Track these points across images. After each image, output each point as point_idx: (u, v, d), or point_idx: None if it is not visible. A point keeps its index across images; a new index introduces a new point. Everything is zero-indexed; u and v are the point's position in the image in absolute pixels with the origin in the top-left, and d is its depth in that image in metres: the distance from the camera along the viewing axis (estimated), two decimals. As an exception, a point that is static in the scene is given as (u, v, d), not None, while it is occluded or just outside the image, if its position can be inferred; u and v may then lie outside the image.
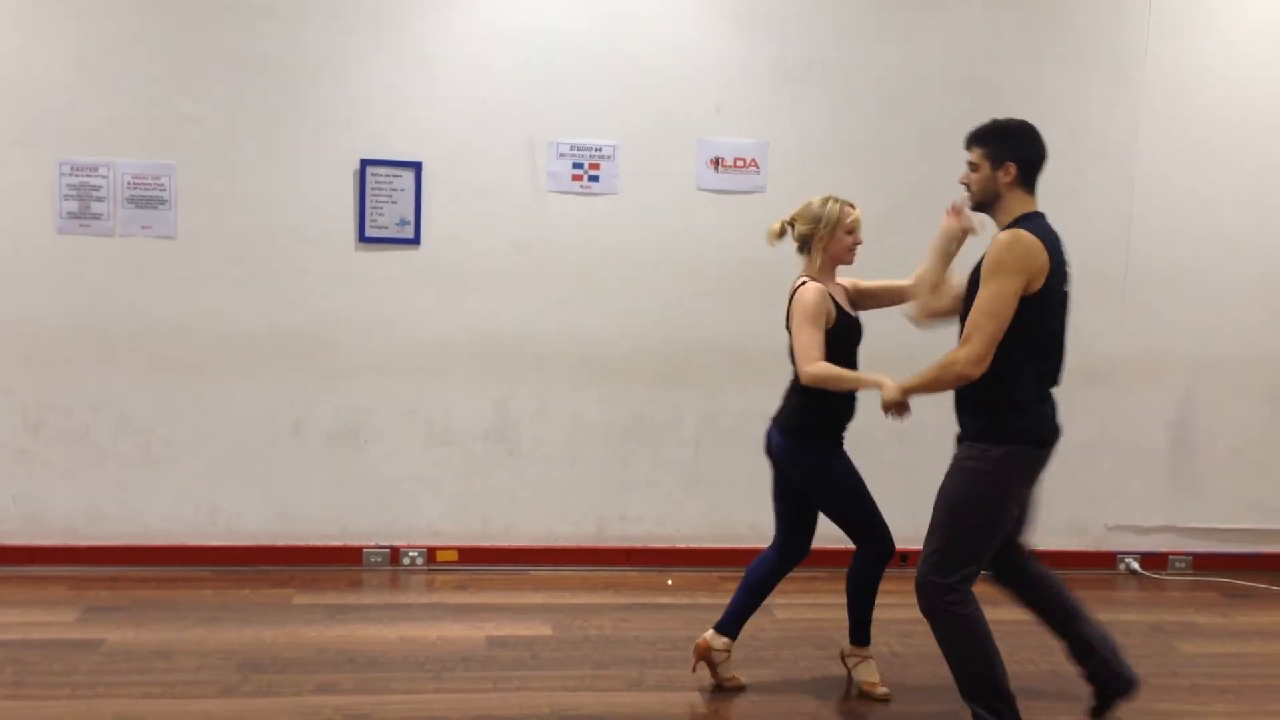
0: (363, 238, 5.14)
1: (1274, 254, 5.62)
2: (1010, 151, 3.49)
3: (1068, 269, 3.44)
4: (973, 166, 3.53)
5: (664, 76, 5.23)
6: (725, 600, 4.94)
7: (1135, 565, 5.70)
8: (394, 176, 5.12)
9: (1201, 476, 5.73)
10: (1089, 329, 5.56)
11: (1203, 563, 5.75)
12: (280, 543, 5.25)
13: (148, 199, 5.03)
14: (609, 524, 5.44)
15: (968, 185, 3.56)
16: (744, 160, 5.32)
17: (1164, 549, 5.76)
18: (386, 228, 5.15)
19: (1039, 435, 3.47)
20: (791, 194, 5.21)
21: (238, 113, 5.04)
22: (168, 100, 5.00)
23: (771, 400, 4.99)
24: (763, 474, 5.56)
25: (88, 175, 4.99)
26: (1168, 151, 5.50)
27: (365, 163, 5.09)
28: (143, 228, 5.05)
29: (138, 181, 5.02)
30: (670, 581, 5.27)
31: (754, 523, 5.45)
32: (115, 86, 4.97)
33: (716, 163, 5.31)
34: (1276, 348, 5.68)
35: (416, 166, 5.12)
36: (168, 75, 4.99)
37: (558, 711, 3.82)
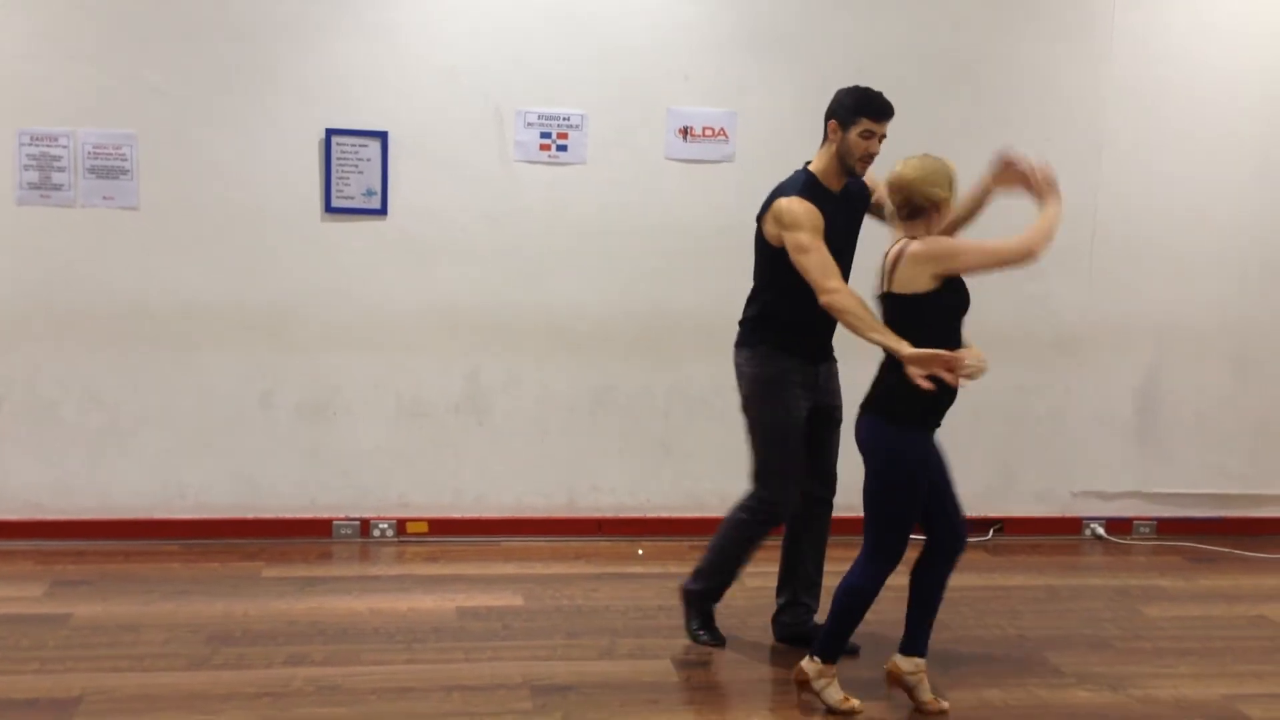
0: (329, 208, 5.10)
1: (1238, 223, 5.67)
2: (853, 112, 3.79)
3: None
4: (882, 139, 3.85)
5: (632, 45, 5.20)
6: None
7: (1101, 530, 5.77)
8: (360, 146, 5.07)
9: (1166, 443, 5.80)
10: (1057, 298, 5.62)
11: (1167, 527, 5.82)
12: (249, 515, 5.22)
13: (109, 169, 4.96)
14: (580, 494, 5.44)
15: (873, 157, 3.85)
16: (713, 129, 5.30)
17: (1129, 514, 5.82)
18: (353, 198, 5.10)
19: None
20: (761, 163, 5.22)
21: (200, 82, 4.97)
22: (129, 69, 4.92)
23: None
24: (732, 443, 5.58)
25: (48, 145, 4.91)
26: (1135, 122, 5.53)
27: (330, 132, 5.04)
28: (104, 198, 4.98)
29: (99, 151, 4.95)
30: (641, 551, 5.29)
31: (723, 492, 5.45)
32: (75, 55, 4.89)
33: (685, 132, 5.29)
34: (1240, 316, 5.74)
35: (383, 136, 5.07)
36: (129, 44, 4.91)
37: (529, 681, 3.83)
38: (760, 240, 3.93)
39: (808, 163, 3.94)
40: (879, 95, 3.81)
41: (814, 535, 4.14)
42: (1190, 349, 5.73)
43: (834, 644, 3.66)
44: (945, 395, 3.50)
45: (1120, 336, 5.67)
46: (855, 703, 3.66)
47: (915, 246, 3.48)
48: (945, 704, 3.73)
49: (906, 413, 3.51)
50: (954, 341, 3.55)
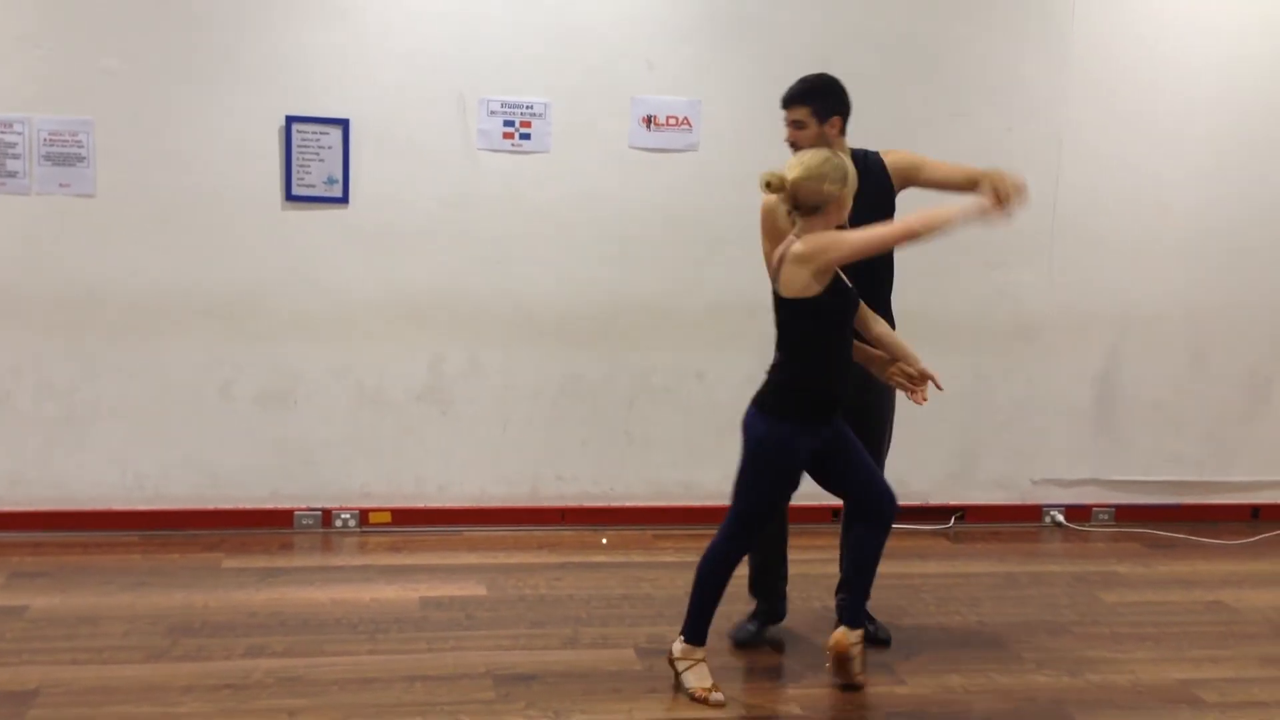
0: (290, 196, 5.05)
1: (1195, 213, 5.72)
2: (834, 106, 3.75)
3: None
4: (799, 125, 3.76)
5: (596, 33, 5.18)
6: (660, 559, 5.03)
7: (1060, 518, 5.82)
8: (321, 134, 5.03)
9: (1125, 431, 5.86)
10: (1018, 287, 5.66)
11: (1125, 514, 5.89)
12: (209, 506, 5.18)
13: (65, 156, 4.89)
14: (543, 484, 5.43)
15: (795, 143, 3.75)
16: (677, 118, 5.30)
17: (1088, 501, 5.88)
18: (314, 186, 5.06)
19: None
20: (724, 152, 5.25)
21: (158, 67, 4.90)
22: (85, 54, 4.85)
23: (702, 358, 5.01)
24: (695, 432, 5.59)
25: (2, 132, 4.83)
26: (1095, 111, 5.57)
27: (291, 119, 4.99)
28: (60, 185, 4.91)
29: (54, 138, 4.87)
30: (605, 540, 5.29)
31: (687, 481, 5.50)
32: (30, 40, 4.81)
33: (649, 121, 5.28)
34: (1197, 305, 5.80)
35: (344, 124, 5.03)
36: (85, 28, 4.84)
37: (492, 671, 3.83)
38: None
39: None
40: (793, 85, 3.81)
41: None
42: (1148, 338, 5.79)
43: (696, 624, 3.73)
44: (828, 391, 3.59)
45: (1080, 325, 5.72)
46: (718, 695, 3.67)
47: (796, 247, 3.48)
48: (863, 680, 3.83)
49: (777, 406, 3.58)
50: (842, 344, 3.61)
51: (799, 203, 3.46)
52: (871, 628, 4.07)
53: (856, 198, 3.53)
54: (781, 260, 3.53)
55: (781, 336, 3.66)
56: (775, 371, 3.67)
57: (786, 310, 3.57)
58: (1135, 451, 5.88)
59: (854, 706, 3.72)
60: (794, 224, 3.52)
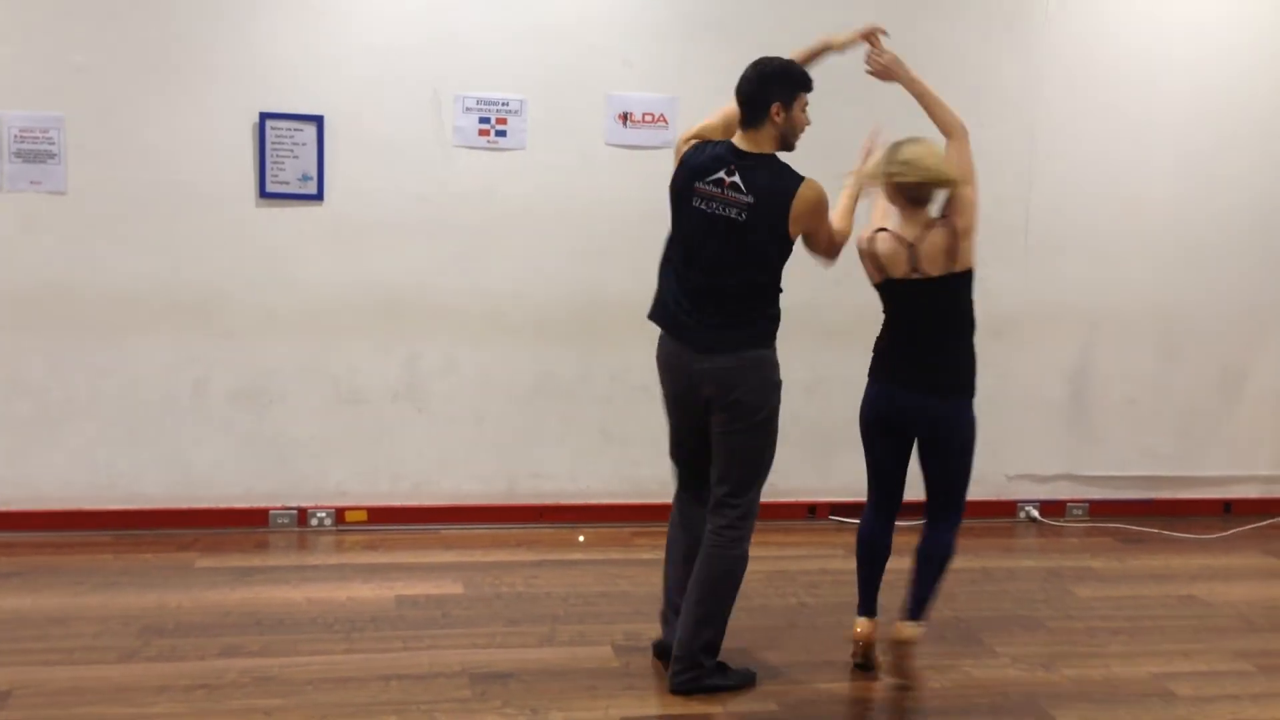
0: (263, 193, 5.02)
1: (1167, 209, 5.77)
2: (794, 88, 3.60)
3: (696, 187, 3.59)
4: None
5: (572, 30, 5.17)
6: (637, 556, 5.03)
7: (1034, 513, 5.86)
8: (295, 130, 5.00)
9: (1098, 426, 5.90)
10: (992, 284, 5.65)
11: (1099, 509, 5.93)
12: (182, 506, 5.14)
13: (36, 153, 4.84)
14: (520, 481, 5.42)
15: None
16: (653, 115, 5.29)
17: (1062, 497, 5.92)
18: (288, 183, 5.03)
19: (656, 316, 3.78)
20: (700, 149, 5.24)
21: (130, 63, 4.86)
22: (56, 50, 4.81)
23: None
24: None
25: (-29, 128, 4.79)
26: (1068, 108, 5.60)
27: (265, 116, 4.96)
28: (31, 183, 4.86)
29: (25, 135, 4.83)
30: (582, 538, 5.28)
31: (664, 478, 5.44)
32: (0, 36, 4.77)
33: (625, 118, 5.28)
34: (1168, 301, 5.85)
35: (318, 120, 5.00)
36: (56, 24, 4.80)
37: (468, 669, 3.82)
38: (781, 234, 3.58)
39: (748, 152, 3.58)
40: (800, 66, 3.72)
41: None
42: (1120, 334, 5.83)
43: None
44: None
45: (1053, 321, 5.75)
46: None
47: (961, 222, 3.64)
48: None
49: (972, 386, 3.86)
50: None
51: (923, 195, 3.65)
52: None
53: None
54: (928, 243, 3.63)
55: (948, 316, 3.74)
56: (955, 355, 3.76)
57: (958, 283, 3.69)
58: (1109, 447, 5.92)
59: (829, 702, 3.72)
60: (902, 212, 3.70)
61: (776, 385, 3.65)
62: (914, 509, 3.91)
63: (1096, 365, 5.84)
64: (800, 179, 3.55)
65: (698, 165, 3.62)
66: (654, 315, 3.80)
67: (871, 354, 3.86)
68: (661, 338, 3.78)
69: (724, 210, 3.54)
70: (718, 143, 3.65)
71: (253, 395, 5.15)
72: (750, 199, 3.51)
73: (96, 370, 5.01)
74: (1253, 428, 6.05)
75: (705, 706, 3.63)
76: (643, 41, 5.24)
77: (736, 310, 3.60)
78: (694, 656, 3.65)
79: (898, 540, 3.94)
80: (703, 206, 3.58)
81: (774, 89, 3.57)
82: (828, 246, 3.67)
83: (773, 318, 3.66)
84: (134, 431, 5.07)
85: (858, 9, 5.33)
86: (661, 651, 3.87)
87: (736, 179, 3.53)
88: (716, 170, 3.57)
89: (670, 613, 3.84)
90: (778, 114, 3.56)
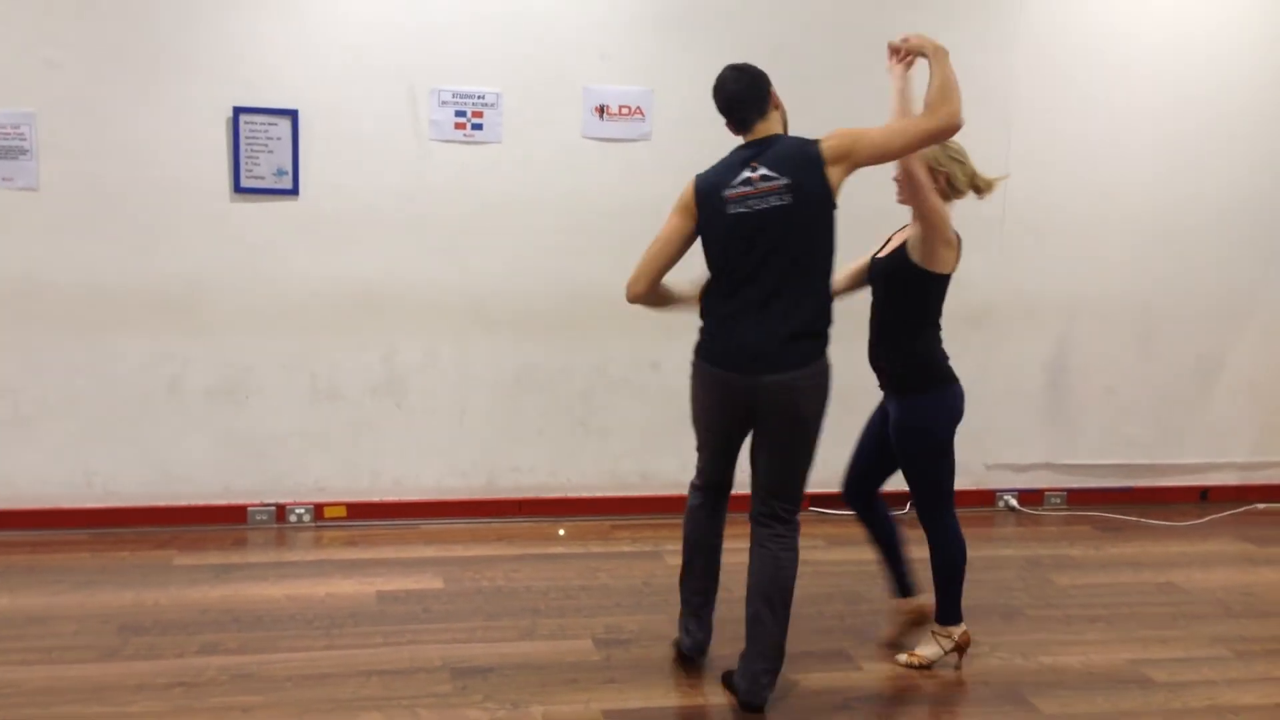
0: (238, 188, 4.99)
1: (1142, 198, 5.79)
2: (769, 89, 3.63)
3: (727, 196, 3.49)
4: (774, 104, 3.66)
5: (548, 23, 5.15)
6: (618, 549, 5.03)
7: (1013, 502, 5.89)
8: (269, 125, 4.97)
9: (1076, 415, 5.93)
10: (969, 273, 5.66)
11: (1077, 498, 5.96)
12: (160, 503, 5.11)
13: (7, 149, 4.80)
14: (500, 475, 5.41)
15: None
16: (629, 108, 5.28)
17: (1040, 485, 5.95)
18: (263, 178, 5.00)
19: (706, 351, 3.64)
20: (677, 142, 5.24)
21: (102, 58, 4.82)
22: (27, 45, 4.76)
23: (658, 348, 4.97)
24: (652, 421, 5.60)
25: (-59, 124, 4.74)
26: (1044, 97, 5.61)
27: (238, 110, 4.93)
28: (3, 179, 4.82)
29: (-4, 130, 4.79)
30: (562, 532, 5.28)
31: (644, 471, 5.50)
32: (-32, 30, 4.72)
33: (602, 110, 5.27)
34: (1145, 290, 5.88)
35: (293, 115, 4.97)
36: (26, 19, 4.75)
37: (449, 664, 3.81)
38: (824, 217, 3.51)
39: (767, 136, 3.56)
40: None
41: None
42: (1097, 323, 5.86)
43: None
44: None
45: (1030, 311, 5.78)
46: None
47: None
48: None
49: (926, 381, 3.99)
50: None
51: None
52: None
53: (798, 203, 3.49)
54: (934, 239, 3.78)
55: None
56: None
57: (936, 283, 3.88)
58: (1086, 436, 5.95)
59: (811, 693, 3.73)
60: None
61: (830, 391, 3.58)
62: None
63: (1073, 353, 5.87)
64: (811, 141, 3.49)
65: (717, 180, 3.52)
66: (707, 357, 3.63)
67: (938, 357, 3.93)
68: (704, 369, 3.65)
69: (766, 202, 3.44)
70: (725, 158, 3.58)
71: (230, 391, 5.12)
72: (786, 180, 3.42)
73: (71, 368, 4.97)
74: (1229, 415, 6.09)
75: (689, 699, 3.64)
76: (619, 34, 5.22)
77: (805, 308, 3.49)
78: (779, 662, 3.60)
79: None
80: (743, 209, 3.46)
81: (762, 80, 3.60)
82: (885, 137, 3.52)
83: (831, 318, 3.56)
84: (110, 429, 5.04)
85: (833, 2, 5.37)
86: (694, 652, 3.86)
87: (763, 170, 3.45)
88: (740, 171, 3.49)
89: (691, 620, 3.84)
90: (775, 99, 3.62)
